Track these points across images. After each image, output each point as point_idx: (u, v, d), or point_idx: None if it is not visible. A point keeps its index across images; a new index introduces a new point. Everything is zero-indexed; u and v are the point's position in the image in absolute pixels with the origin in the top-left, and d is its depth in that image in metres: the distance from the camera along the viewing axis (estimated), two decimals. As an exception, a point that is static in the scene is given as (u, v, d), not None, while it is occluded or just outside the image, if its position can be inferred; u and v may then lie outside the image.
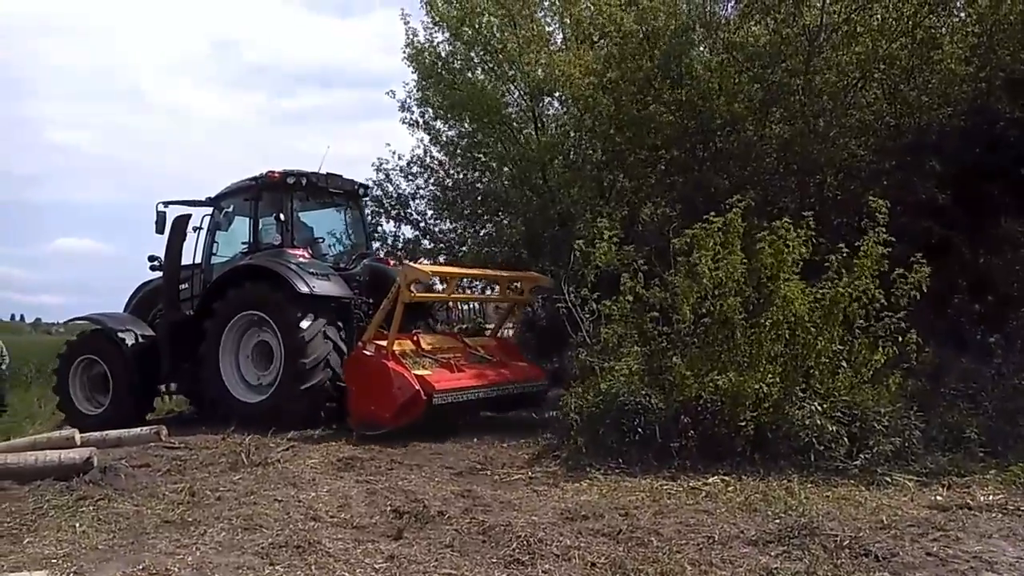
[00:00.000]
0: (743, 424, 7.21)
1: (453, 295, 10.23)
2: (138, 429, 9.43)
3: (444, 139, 16.84)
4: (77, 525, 5.76)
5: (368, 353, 9.10)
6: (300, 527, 5.68)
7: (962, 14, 11.47)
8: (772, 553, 5.08)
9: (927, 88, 10.99)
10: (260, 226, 11.00)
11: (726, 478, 6.86)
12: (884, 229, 7.69)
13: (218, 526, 5.71)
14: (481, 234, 16.70)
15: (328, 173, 11.40)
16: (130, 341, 11.11)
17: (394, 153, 16.95)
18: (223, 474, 7.41)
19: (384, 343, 9.11)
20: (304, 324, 9.66)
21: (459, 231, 16.86)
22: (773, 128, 12.00)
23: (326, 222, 12.00)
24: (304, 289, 9.71)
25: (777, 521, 5.69)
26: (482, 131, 15.65)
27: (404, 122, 16.78)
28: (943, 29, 11.30)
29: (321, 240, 11.69)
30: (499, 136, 15.57)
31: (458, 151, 16.48)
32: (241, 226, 11.30)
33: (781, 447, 7.16)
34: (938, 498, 6.37)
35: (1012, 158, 10.03)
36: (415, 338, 9.82)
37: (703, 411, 7.40)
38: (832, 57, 11.63)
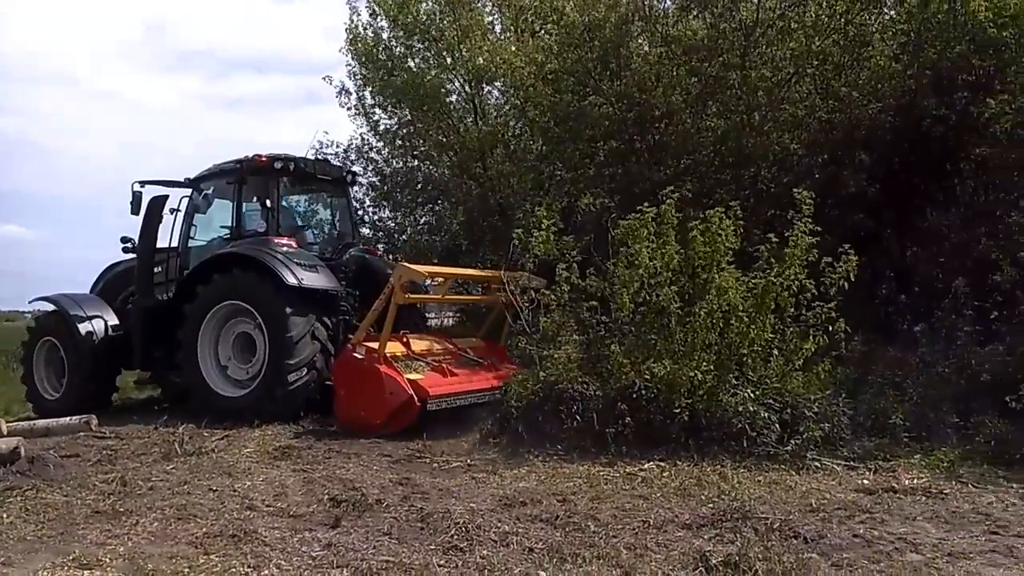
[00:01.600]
0: (678, 411, 7.34)
1: (447, 296, 9.70)
2: (67, 418, 9.17)
3: (383, 127, 16.70)
4: (4, 516, 5.63)
5: (359, 356, 8.73)
6: (235, 516, 5.62)
7: (891, 12, 11.76)
8: (705, 536, 5.20)
9: (858, 84, 11.25)
10: (244, 212, 10.53)
11: (661, 464, 6.98)
12: (810, 220, 7.90)
13: (150, 516, 5.63)
14: (420, 223, 16.62)
15: (316, 158, 11.13)
16: (85, 325, 10.67)
17: (332, 142, 16.72)
18: (156, 464, 7.28)
19: (374, 345, 8.74)
20: (292, 321, 9.20)
21: (398, 220, 16.76)
22: (709, 121, 12.18)
23: (312, 209, 11.61)
24: (292, 281, 9.23)
25: (710, 505, 5.83)
26: (421, 119, 15.55)
27: (343, 106, 16.60)
28: (873, 26, 11.58)
29: (306, 228, 11.26)
30: (439, 125, 15.49)
31: (397, 139, 16.36)
32: (221, 210, 10.84)
33: (715, 433, 7.30)
34: (865, 482, 6.59)
35: (938, 153, 10.36)
36: (404, 339, 9.38)
37: (639, 398, 7.50)
38: (767, 52, 11.86)
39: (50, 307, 11.30)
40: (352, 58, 16.16)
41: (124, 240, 11.05)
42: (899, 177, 10.52)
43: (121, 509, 5.79)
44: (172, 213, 10.77)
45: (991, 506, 5.94)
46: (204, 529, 5.32)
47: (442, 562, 4.72)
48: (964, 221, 10.13)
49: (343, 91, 16.46)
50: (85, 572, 4.63)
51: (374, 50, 15.83)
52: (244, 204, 10.54)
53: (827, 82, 11.56)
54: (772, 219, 10.03)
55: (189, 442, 7.90)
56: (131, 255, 11.13)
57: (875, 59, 11.19)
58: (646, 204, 8.31)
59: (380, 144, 16.67)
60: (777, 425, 7.24)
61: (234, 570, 4.64)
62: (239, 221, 10.47)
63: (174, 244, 10.91)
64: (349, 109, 16.63)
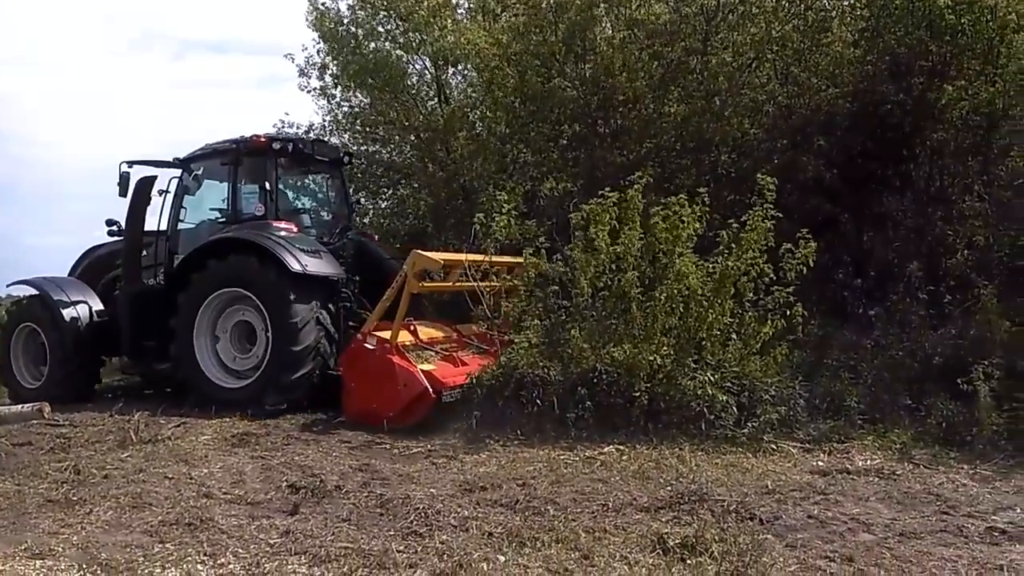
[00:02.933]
0: (638, 395, 7.38)
1: (458, 284, 9.27)
2: (19, 406, 9.01)
3: (346, 108, 16.51)
4: (-46, 505, 5.51)
5: (370, 347, 8.34)
6: (192, 504, 5.58)
7: (852, -3, 11.85)
8: (663, 519, 5.27)
9: (817, 70, 11.33)
10: (240, 194, 10.08)
11: (621, 447, 7.04)
12: (772, 206, 7.97)
13: (104, 505, 5.56)
14: (383, 206, 16.49)
15: (315, 139, 10.77)
16: (68, 310, 10.24)
17: (292, 124, 16.49)
18: (110, 452, 7.17)
19: (383, 334, 8.38)
20: (296, 308, 8.84)
21: (360, 202, 16.62)
22: (671, 106, 12.22)
23: (308, 192, 11.24)
24: (296, 268, 8.85)
25: (668, 488, 5.90)
26: (385, 101, 15.41)
27: (302, 88, 16.37)
28: (833, 12, 11.67)
29: (303, 212, 10.83)
30: (402, 106, 15.36)
31: (359, 120, 16.20)
32: (213, 192, 10.41)
33: (674, 417, 7.38)
34: (820, 463, 6.71)
35: (895, 139, 10.49)
36: (412, 328, 8.96)
37: (599, 382, 7.54)
38: (728, 37, 11.90)
39: (29, 291, 10.81)
40: (315, 36, 15.96)
41: (110, 223, 10.58)
42: (856, 162, 10.63)
43: (74, 498, 5.71)
44: (161, 195, 10.37)
45: (942, 487, 6.08)
46: (159, 517, 5.27)
47: (401, 547, 4.72)
48: (919, 206, 10.29)
49: (304, 72, 16.25)
50: (37, 562, 4.56)
51: (338, 29, 15.62)
52: (241, 186, 10.09)
53: (787, 68, 11.63)
54: (732, 204, 10.09)
55: (144, 430, 7.78)
56: (113, 238, 10.74)
57: (834, 45, 11.27)
58: (608, 189, 8.32)
59: (343, 125, 16.47)
60: (735, 408, 7.34)
61: (190, 558, 4.60)
62: (235, 204, 10.04)
63: (162, 227, 10.47)
64: (311, 92, 16.43)
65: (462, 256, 9.10)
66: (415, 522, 5.16)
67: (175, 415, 8.59)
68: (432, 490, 5.92)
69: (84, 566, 4.49)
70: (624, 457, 6.81)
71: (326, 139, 15.69)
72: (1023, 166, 9.88)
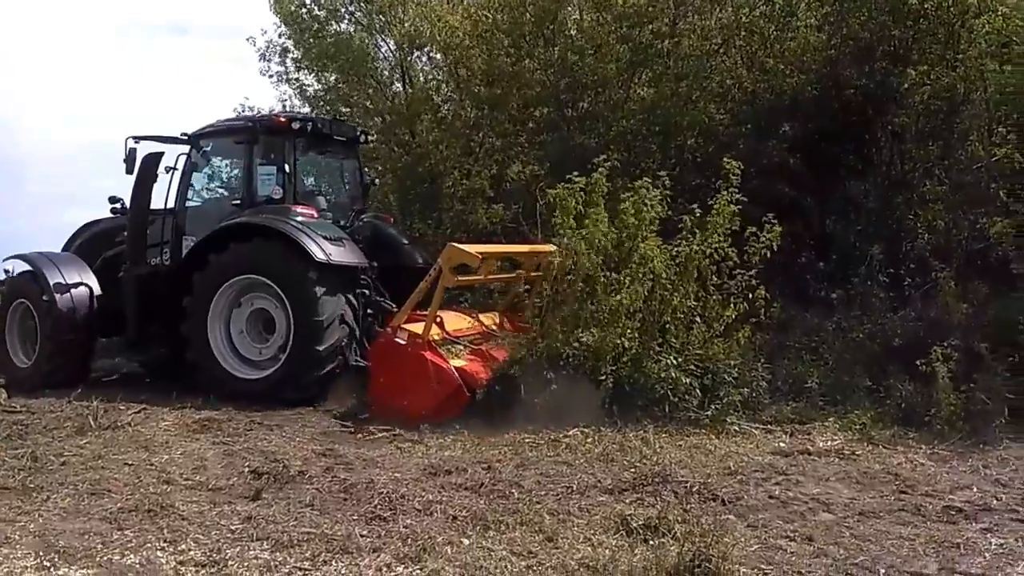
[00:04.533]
0: (603, 378, 7.40)
1: (490, 276, 8.77)
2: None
3: (310, 92, 16.34)
4: (-93, 494, 5.38)
5: (401, 341, 7.95)
6: (152, 491, 5.49)
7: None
8: (627, 500, 5.30)
9: (783, 56, 11.41)
10: (256, 175, 9.56)
11: (585, 430, 7.04)
12: (737, 190, 8.01)
13: (62, 492, 5.45)
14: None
15: (332, 118, 10.35)
16: (63, 289, 9.67)
17: (252, 107, 16.26)
18: (69, 438, 7.01)
19: (413, 327, 8.01)
20: (322, 305, 8.45)
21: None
22: (639, 90, 12.24)
23: (323, 172, 10.79)
24: (321, 256, 8.44)
25: (632, 470, 5.92)
26: (349, 84, 15.26)
27: (263, 73, 16.18)
28: (799, -3, 11.72)
29: (318, 194, 10.35)
30: (366, 90, 15.23)
31: (323, 104, 16.02)
32: (225, 171, 10.10)
33: (638, 400, 7.40)
34: (781, 444, 6.79)
35: (857, 123, 10.60)
36: (439, 319, 8.39)
37: (566, 366, 7.55)
38: (696, 22, 11.93)
39: (25, 266, 10.23)
40: (279, 19, 15.74)
41: (113, 200, 10.18)
42: (820, 147, 10.75)
43: (32, 485, 5.59)
44: (168, 172, 9.88)
45: (900, 466, 6.18)
46: (119, 504, 5.19)
47: (364, 532, 4.70)
48: (881, 190, 10.42)
49: (266, 56, 16.05)
50: (-7, 550, 4.47)
51: (300, 11, 15.43)
52: (256, 167, 9.58)
53: (753, 53, 11.69)
54: (697, 188, 10.14)
55: (104, 416, 7.62)
56: (111, 215, 10.33)
57: (800, 30, 11.34)
58: (575, 173, 8.29)
59: (306, 109, 16.30)
60: (698, 390, 7.40)
61: (150, 545, 4.54)
62: (250, 185, 9.54)
63: (163, 206, 9.91)
64: (271, 77, 16.25)
65: (497, 248, 8.89)
66: (379, 506, 5.13)
67: (134, 401, 8.43)
68: (396, 474, 5.89)
69: (41, 554, 4.40)
70: (588, 440, 6.83)
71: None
72: (982, 151, 10.01)
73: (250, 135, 9.59)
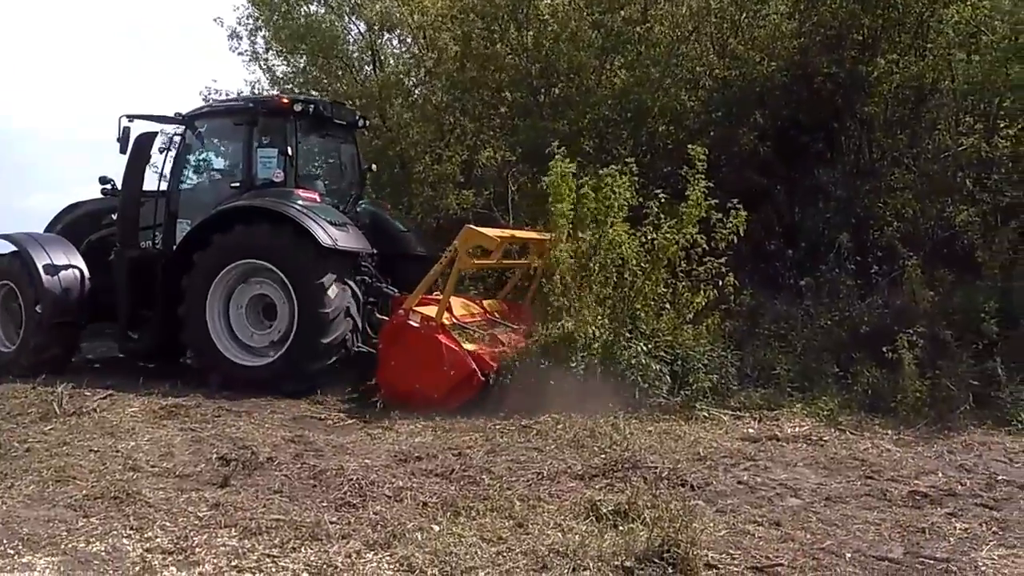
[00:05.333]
0: (574, 365, 7.41)
1: (503, 261, 8.59)
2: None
3: (279, 74, 16.15)
4: None
5: (414, 324, 7.78)
6: (118, 478, 5.40)
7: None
8: (597, 486, 5.32)
9: (753, 43, 11.45)
10: (256, 158, 9.28)
11: (556, 416, 7.04)
12: (703, 175, 8.05)
13: (27, 479, 5.35)
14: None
15: (334, 102, 10.11)
16: (50, 271, 9.31)
17: (218, 91, 16.02)
18: (33, 424, 6.89)
19: (426, 310, 7.88)
20: (328, 297, 8.23)
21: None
22: (611, 75, 12.22)
23: (322, 157, 10.55)
24: (328, 242, 8.25)
25: (603, 456, 5.94)
26: (318, 67, 15.09)
27: (233, 50, 15.96)
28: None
29: (317, 177, 10.12)
30: (336, 72, 15.07)
31: (292, 87, 15.84)
32: (221, 153, 9.90)
33: (609, 386, 7.43)
34: (750, 430, 6.86)
35: (827, 111, 10.67)
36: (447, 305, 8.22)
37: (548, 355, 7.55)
38: (668, 9, 11.93)
39: (10, 247, 9.83)
40: (247, 1, 15.52)
41: (104, 180, 9.84)
42: (789, 135, 10.80)
43: (-6, 472, 5.51)
44: (161, 152, 9.70)
45: (866, 452, 6.27)
46: (84, 492, 5.10)
47: (334, 519, 4.67)
48: (849, 178, 10.51)
49: (235, 34, 15.83)
50: (-46, 539, 4.39)
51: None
52: (256, 149, 9.31)
53: (724, 40, 11.71)
54: (668, 175, 10.17)
55: (69, 401, 7.49)
56: (101, 197, 10.03)
57: (770, 18, 11.38)
58: (552, 160, 8.25)
59: (275, 91, 16.10)
60: (668, 377, 7.45)
61: (115, 532, 4.47)
62: (250, 168, 9.25)
63: (153, 187, 9.71)
64: (242, 55, 16.03)
65: (512, 232, 8.73)
66: (348, 493, 5.11)
67: (100, 387, 8.30)
68: (367, 461, 5.87)
69: (5, 542, 4.32)
70: (559, 426, 6.83)
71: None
72: (950, 140, 10.13)
73: (250, 116, 9.32)
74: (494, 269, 9.19)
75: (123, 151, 9.27)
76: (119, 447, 6.18)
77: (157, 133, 9.67)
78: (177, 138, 9.69)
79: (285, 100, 9.34)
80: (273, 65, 15.99)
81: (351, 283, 8.52)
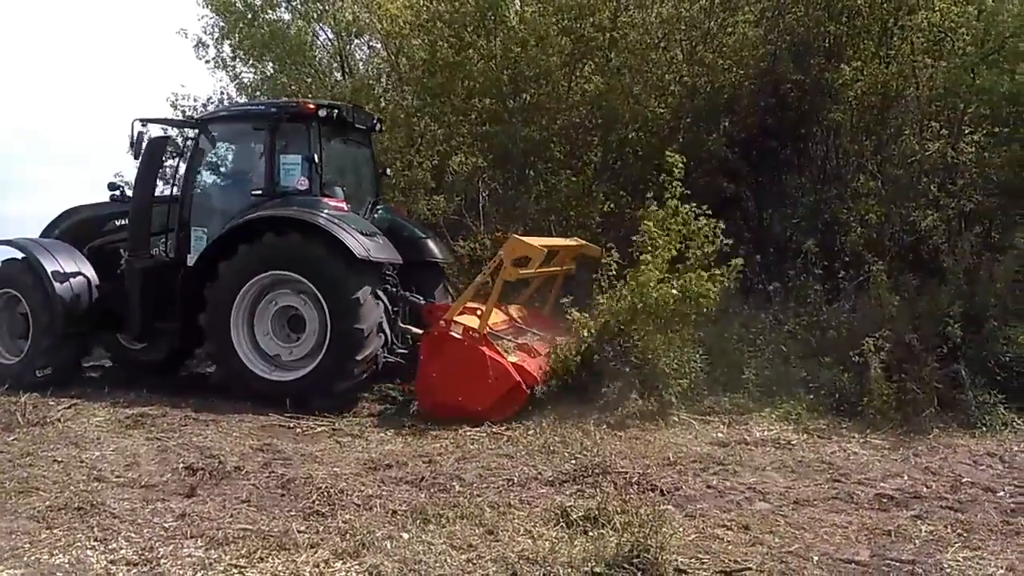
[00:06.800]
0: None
1: (541, 270, 8.41)
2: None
3: (246, 81, 16.00)
4: None
5: (456, 336, 7.61)
6: (82, 488, 5.35)
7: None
8: (567, 492, 5.33)
9: (722, 51, 11.54)
10: (279, 165, 8.92)
11: (527, 423, 7.06)
12: (680, 183, 8.09)
13: (-11, 491, 5.28)
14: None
15: (354, 106, 9.90)
16: (60, 279, 8.93)
17: (186, 97, 15.84)
18: (-5, 435, 6.81)
19: (468, 321, 7.73)
20: (365, 310, 7.95)
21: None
22: (581, 83, 12.26)
23: (342, 163, 10.09)
24: (362, 253, 7.96)
25: (573, 462, 5.96)
26: (286, 74, 14.98)
27: (200, 59, 15.79)
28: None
29: (338, 184, 9.61)
30: (304, 79, 14.98)
31: (260, 94, 15.71)
32: (239, 159, 9.62)
33: (582, 392, 7.44)
34: (719, 435, 6.89)
35: (793, 118, 10.79)
36: (479, 314, 7.96)
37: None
38: (637, 16, 11.99)
39: (14, 253, 9.40)
40: (209, 9, 15.36)
41: (112, 187, 9.63)
42: (757, 141, 10.90)
43: (-45, 484, 5.41)
44: (176, 158, 9.39)
45: (834, 455, 6.32)
46: (47, 502, 5.05)
47: (302, 528, 4.65)
48: (816, 184, 10.61)
49: (202, 43, 15.68)
50: (-87, 553, 4.30)
51: (235, 2, 15.08)
52: (279, 156, 8.95)
53: (693, 47, 11.79)
54: (638, 181, 10.21)
55: (33, 411, 7.38)
56: (110, 202, 9.75)
57: (739, 26, 11.48)
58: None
59: (243, 99, 15.98)
60: (638, 382, 7.44)
61: (79, 544, 4.43)
62: (272, 175, 8.85)
63: (161, 193, 9.45)
64: (208, 63, 15.87)
65: (555, 241, 8.63)
66: (317, 502, 5.08)
67: (65, 396, 8.17)
68: (336, 469, 5.84)
69: (-35, 555, 4.26)
70: (530, 432, 6.85)
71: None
72: (916, 146, 10.26)
73: (271, 121, 8.96)
74: (535, 277, 9.03)
75: (136, 156, 9.00)
76: (83, 457, 6.12)
77: (170, 137, 9.41)
78: (190, 143, 9.37)
79: (311, 105, 8.97)
80: (240, 72, 15.83)
81: (383, 296, 8.27)
